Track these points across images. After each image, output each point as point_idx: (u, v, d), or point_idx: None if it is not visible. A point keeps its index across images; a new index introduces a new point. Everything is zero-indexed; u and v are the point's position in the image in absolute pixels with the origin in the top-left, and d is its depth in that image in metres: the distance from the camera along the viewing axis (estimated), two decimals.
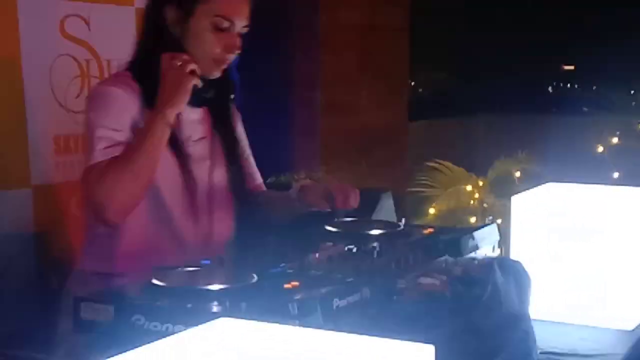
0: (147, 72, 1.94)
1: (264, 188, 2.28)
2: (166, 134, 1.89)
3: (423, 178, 4.38)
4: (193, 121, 2.06)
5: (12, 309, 2.32)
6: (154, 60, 1.92)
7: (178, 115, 1.94)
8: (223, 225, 2.11)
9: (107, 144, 1.89)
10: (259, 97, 4.61)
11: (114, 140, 1.90)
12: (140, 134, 1.90)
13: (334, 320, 1.33)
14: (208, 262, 1.58)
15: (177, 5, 1.97)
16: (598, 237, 1.87)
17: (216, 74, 2.02)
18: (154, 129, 1.87)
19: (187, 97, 1.90)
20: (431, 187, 4.36)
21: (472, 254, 1.78)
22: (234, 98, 2.17)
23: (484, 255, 1.83)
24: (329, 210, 1.96)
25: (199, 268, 1.54)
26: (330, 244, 1.71)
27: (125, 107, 1.94)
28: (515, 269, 1.65)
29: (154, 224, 1.99)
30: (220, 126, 2.12)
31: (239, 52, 2.01)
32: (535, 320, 1.61)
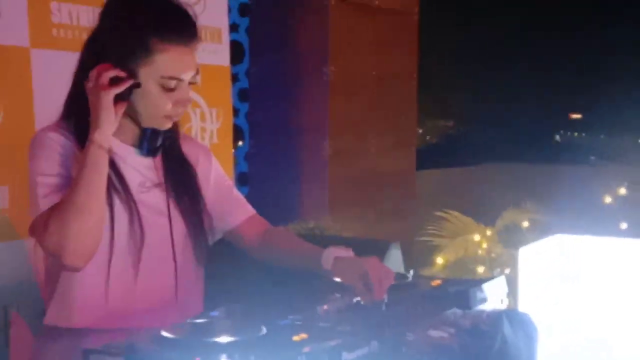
0: (78, 109, 1.84)
1: (267, 223, 2.10)
2: (102, 160, 1.77)
3: (431, 227, 4.38)
4: (143, 167, 1.94)
5: None
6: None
7: (125, 161, 1.87)
8: (186, 282, 1.97)
9: (47, 191, 1.79)
10: (267, 144, 4.64)
11: (52, 186, 1.80)
12: (76, 170, 1.80)
13: None
14: (216, 314, 1.58)
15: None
16: (605, 290, 1.86)
17: (168, 126, 1.91)
18: (86, 158, 1.76)
19: (108, 112, 1.77)
20: (439, 236, 4.35)
21: (481, 306, 1.78)
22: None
23: (492, 307, 1.82)
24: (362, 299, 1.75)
25: (208, 320, 1.54)
26: (339, 295, 1.71)
27: (63, 150, 1.83)
28: (523, 320, 1.64)
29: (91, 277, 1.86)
30: (173, 174, 1.98)
31: (190, 103, 1.90)
32: None
